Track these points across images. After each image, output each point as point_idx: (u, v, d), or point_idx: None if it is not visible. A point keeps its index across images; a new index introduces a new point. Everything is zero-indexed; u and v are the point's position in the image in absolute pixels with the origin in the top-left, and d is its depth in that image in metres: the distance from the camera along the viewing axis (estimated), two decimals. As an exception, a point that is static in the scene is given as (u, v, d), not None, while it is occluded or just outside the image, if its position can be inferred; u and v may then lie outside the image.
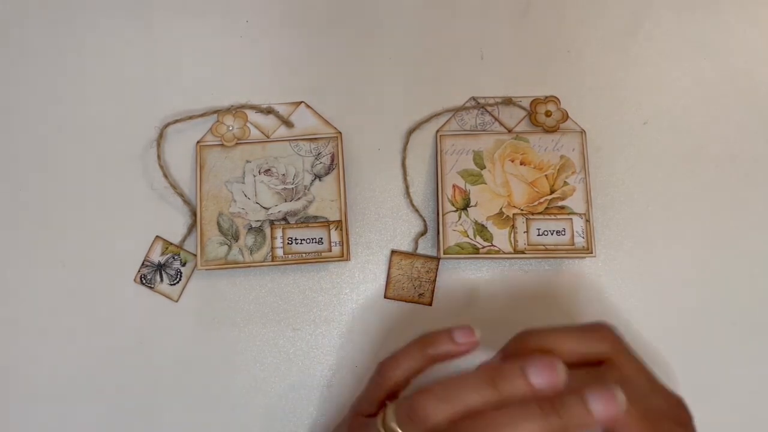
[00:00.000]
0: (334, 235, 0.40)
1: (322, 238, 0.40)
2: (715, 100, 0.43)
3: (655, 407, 0.28)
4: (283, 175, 0.41)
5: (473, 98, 0.42)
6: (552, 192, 0.40)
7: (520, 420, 0.24)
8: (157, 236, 0.41)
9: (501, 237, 0.40)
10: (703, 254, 0.41)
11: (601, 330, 0.29)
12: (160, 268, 0.41)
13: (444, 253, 0.40)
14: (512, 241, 0.40)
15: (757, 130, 0.43)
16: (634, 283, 0.41)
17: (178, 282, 0.41)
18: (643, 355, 0.30)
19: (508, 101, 0.42)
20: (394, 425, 0.26)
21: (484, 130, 0.42)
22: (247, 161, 0.41)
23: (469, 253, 0.40)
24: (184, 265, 0.41)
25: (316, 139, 0.41)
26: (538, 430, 0.23)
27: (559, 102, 0.42)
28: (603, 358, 0.28)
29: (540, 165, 0.41)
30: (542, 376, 0.25)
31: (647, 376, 0.29)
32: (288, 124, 0.42)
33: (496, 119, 0.42)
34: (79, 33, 0.43)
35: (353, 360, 0.40)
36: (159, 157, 0.41)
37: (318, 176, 0.41)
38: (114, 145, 0.42)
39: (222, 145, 0.41)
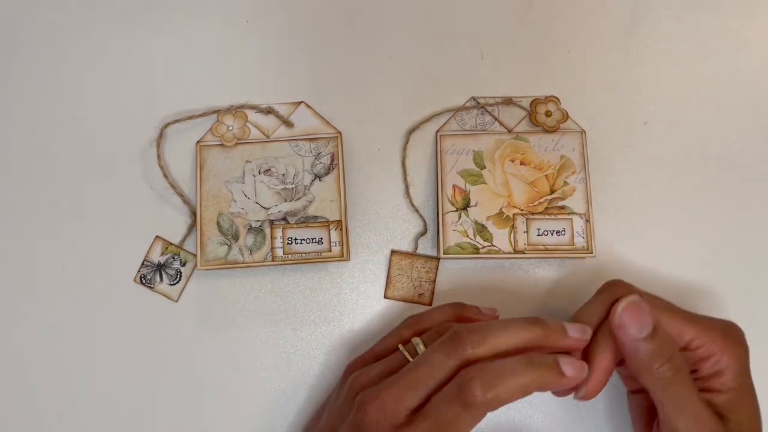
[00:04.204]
0: (334, 235, 0.40)
1: (322, 238, 0.40)
2: (715, 100, 0.43)
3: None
4: (283, 175, 0.41)
5: (473, 98, 0.42)
6: (552, 192, 0.40)
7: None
8: (156, 236, 0.41)
9: (501, 237, 0.40)
10: (703, 254, 0.41)
11: (736, 332, 0.31)
12: (160, 268, 0.41)
13: (444, 253, 0.40)
14: (512, 241, 0.40)
15: (757, 130, 0.43)
16: (633, 283, 0.41)
17: (177, 282, 0.41)
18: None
19: (508, 101, 0.42)
20: (421, 346, 0.32)
21: (484, 130, 0.42)
22: (247, 161, 0.41)
23: (469, 253, 0.40)
24: (184, 265, 0.41)
25: (316, 139, 0.41)
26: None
27: (559, 102, 0.42)
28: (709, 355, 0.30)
29: (540, 165, 0.41)
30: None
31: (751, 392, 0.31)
32: (288, 124, 0.42)
33: (496, 119, 0.42)
34: (79, 33, 0.43)
35: (353, 360, 0.40)
36: (159, 157, 0.41)
37: (318, 176, 0.41)
38: (114, 145, 0.42)
39: (222, 145, 0.41)
